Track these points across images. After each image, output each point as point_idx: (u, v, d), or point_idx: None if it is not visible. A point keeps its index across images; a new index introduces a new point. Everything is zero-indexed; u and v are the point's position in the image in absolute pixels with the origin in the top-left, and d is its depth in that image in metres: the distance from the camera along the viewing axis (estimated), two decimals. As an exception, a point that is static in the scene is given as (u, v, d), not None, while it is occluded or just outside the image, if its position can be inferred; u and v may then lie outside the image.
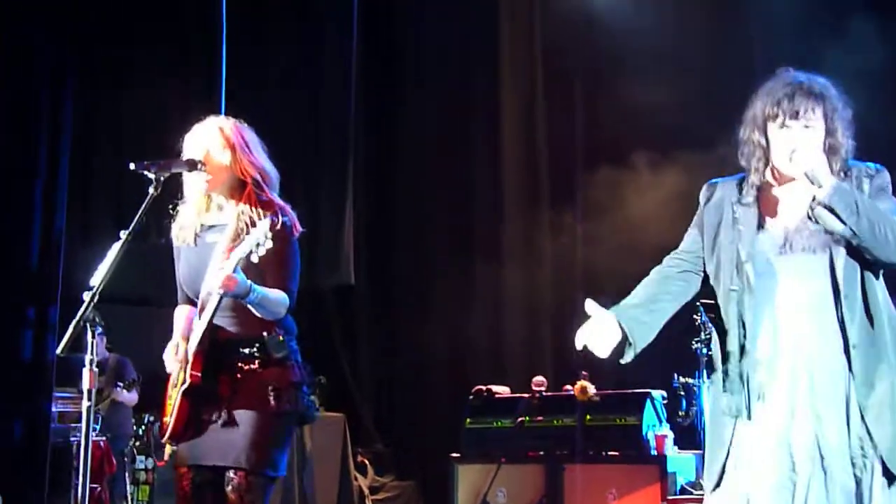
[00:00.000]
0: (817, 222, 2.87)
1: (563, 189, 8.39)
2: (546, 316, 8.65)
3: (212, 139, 3.45)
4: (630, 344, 2.96)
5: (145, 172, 3.21)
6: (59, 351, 3.02)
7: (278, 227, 3.25)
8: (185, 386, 3.27)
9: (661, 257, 3.18)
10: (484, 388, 6.77)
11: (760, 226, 2.96)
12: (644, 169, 7.38)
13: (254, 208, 3.39)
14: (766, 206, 2.99)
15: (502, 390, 6.84)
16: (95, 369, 2.99)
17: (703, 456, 5.50)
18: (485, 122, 8.73)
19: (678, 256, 3.14)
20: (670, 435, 6.05)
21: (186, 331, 3.45)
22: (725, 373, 2.97)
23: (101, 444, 6.33)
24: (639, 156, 7.41)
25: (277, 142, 3.87)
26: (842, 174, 2.94)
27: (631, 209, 7.39)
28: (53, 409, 6.15)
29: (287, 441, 3.41)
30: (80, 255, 6.01)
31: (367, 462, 8.98)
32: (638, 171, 7.39)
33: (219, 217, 3.47)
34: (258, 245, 3.13)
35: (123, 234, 3.09)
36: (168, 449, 3.29)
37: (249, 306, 3.29)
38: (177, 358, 3.38)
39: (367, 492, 8.77)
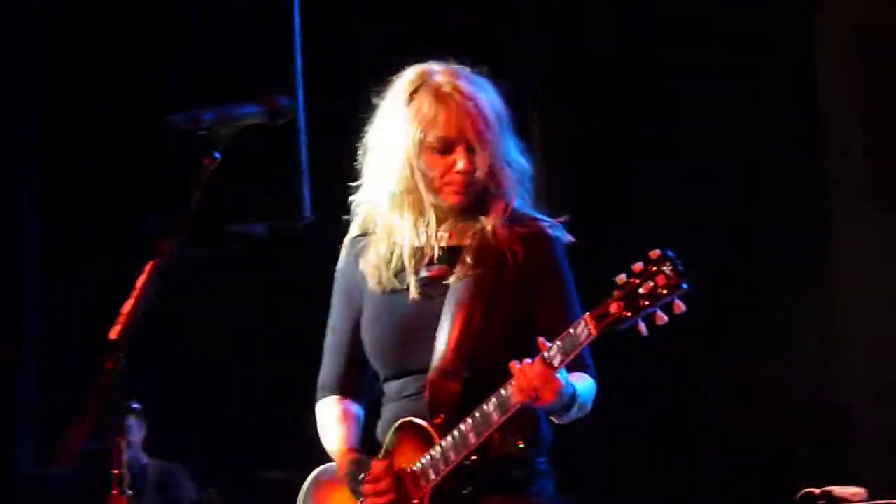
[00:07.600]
0: None
1: None
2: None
3: (470, 111, 2.30)
4: None
5: (192, 128, 2.02)
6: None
7: None
8: None
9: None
10: (816, 490, 4.35)
11: None
12: None
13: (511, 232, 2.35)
14: None
15: (851, 492, 4.36)
16: (129, 491, 1.85)
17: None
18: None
19: None
20: None
21: (356, 440, 2.55)
22: None
23: None
24: None
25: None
26: None
27: None
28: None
29: None
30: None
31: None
32: None
33: (434, 244, 2.36)
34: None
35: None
36: None
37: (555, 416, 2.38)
38: (368, 487, 2.38)
39: None
